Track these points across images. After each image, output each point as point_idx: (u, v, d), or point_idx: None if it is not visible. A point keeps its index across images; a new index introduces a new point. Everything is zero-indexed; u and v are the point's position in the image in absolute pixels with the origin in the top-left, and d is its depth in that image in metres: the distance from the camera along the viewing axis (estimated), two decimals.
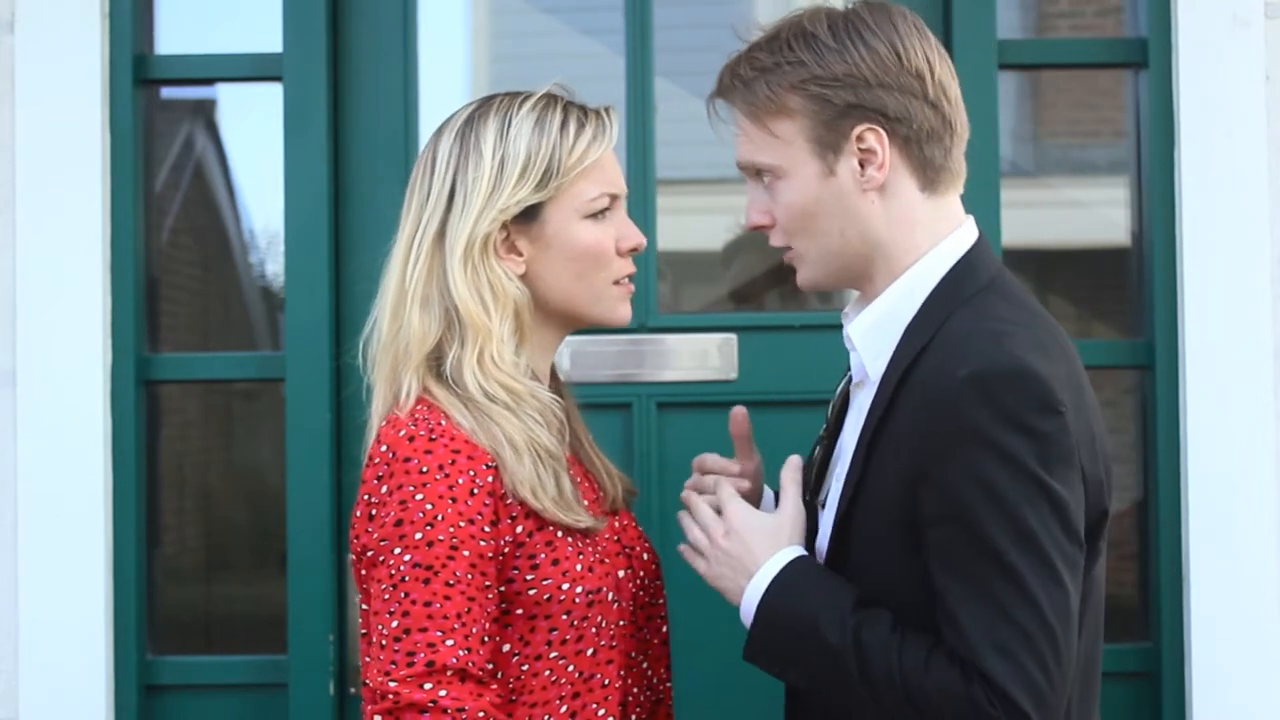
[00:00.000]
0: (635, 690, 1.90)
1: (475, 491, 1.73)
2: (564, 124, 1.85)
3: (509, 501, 1.76)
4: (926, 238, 1.77)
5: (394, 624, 1.68)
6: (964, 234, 1.80)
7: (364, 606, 1.82)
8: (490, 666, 1.73)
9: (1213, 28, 2.62)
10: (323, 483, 2.68)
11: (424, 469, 1.72)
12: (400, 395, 1.83)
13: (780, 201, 1.79)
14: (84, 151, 2.65)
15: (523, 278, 1.86)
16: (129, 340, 2.68)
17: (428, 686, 1.66)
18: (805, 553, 1.77)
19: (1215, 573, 2.59)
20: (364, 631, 1.82)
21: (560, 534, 1.80)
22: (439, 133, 1.89)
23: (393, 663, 1.67)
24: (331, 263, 2.71)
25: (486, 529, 1.73)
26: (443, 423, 1.76)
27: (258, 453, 3.23)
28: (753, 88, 1.76)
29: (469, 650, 1.68)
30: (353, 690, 2.71)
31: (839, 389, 1.93)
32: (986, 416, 1.61)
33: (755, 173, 1.82)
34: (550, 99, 1.87)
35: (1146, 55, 2.68)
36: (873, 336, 1.78)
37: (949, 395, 1.63)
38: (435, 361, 1.83)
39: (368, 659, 1.76)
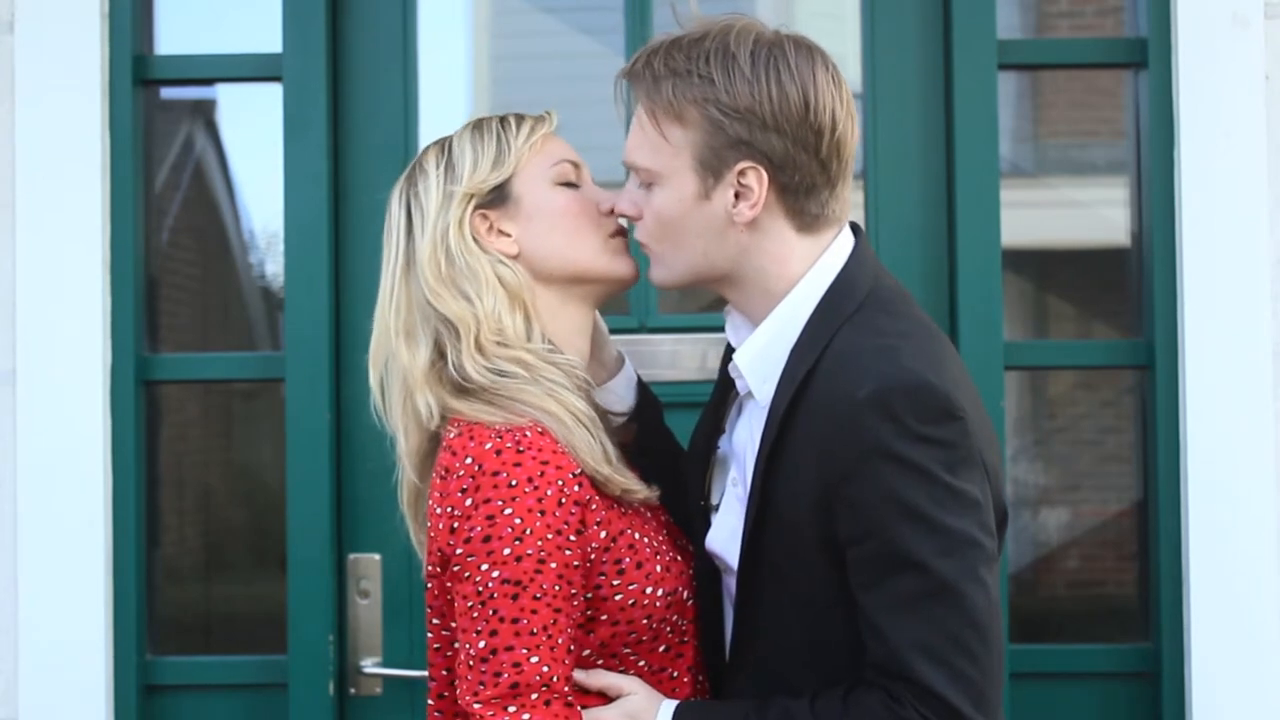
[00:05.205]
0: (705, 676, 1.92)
1: (563, 501, 1.73)
2: (503, 121, 1.89)
3: (594, 507, 1.77)
4: (801, 264, 1.78)
5: (481, 644, 1.70)
6: (838, 250, 1.79)
7: (435, 621, 1.85)
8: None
9: (1212, 27, 2.62)
10: (323, 483, 2.68)
11: (513, 482, 1.71)
12: (423, 417, 1.84)
13: (652, 205, 1.80)
14: (84, 151, 2.65)
15: (518, 258, 1.86)
16: (129, 340, 2.68)
17: (511, 709, 1.68)
18: (678, 703, 1.78)
19: (1214, 573, 2.59)
20: (455, 645, 1.81)
21: (638, 535, 1.81)
22: (392, 192, 1.93)
23: (481, 683, 1.70)
24: (331, 263, 2.71)
25: (573, 538, 1.73)
26: (528, 434, 1.75)
27: (258, 453, 3.23)
28: (660, 85, 1.75)
29: (554, 663, 1.70)
30: (353, 690, 2.71)
31: (715, 392, 1.93)
32: (891, 433, 1.63)
33: (635, 171, 1.82)
34: (483, 118, 1.91)
35: (1146, 55, 2.68)
36: (758, 362, 1.79)
37: (850, 415, 1.65)
38: (438, 376, 1.83)
39: (454, 681, 1.80)
